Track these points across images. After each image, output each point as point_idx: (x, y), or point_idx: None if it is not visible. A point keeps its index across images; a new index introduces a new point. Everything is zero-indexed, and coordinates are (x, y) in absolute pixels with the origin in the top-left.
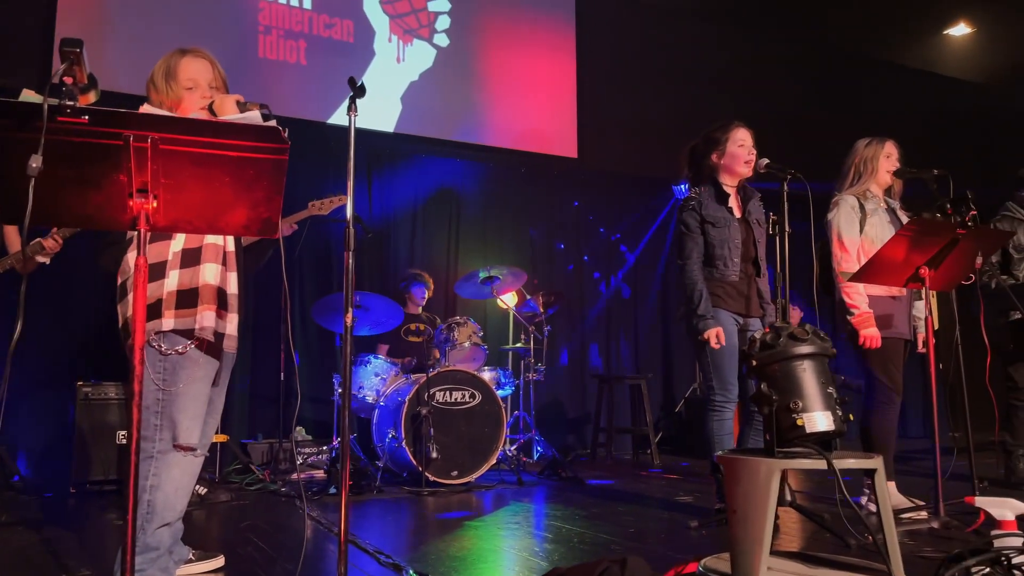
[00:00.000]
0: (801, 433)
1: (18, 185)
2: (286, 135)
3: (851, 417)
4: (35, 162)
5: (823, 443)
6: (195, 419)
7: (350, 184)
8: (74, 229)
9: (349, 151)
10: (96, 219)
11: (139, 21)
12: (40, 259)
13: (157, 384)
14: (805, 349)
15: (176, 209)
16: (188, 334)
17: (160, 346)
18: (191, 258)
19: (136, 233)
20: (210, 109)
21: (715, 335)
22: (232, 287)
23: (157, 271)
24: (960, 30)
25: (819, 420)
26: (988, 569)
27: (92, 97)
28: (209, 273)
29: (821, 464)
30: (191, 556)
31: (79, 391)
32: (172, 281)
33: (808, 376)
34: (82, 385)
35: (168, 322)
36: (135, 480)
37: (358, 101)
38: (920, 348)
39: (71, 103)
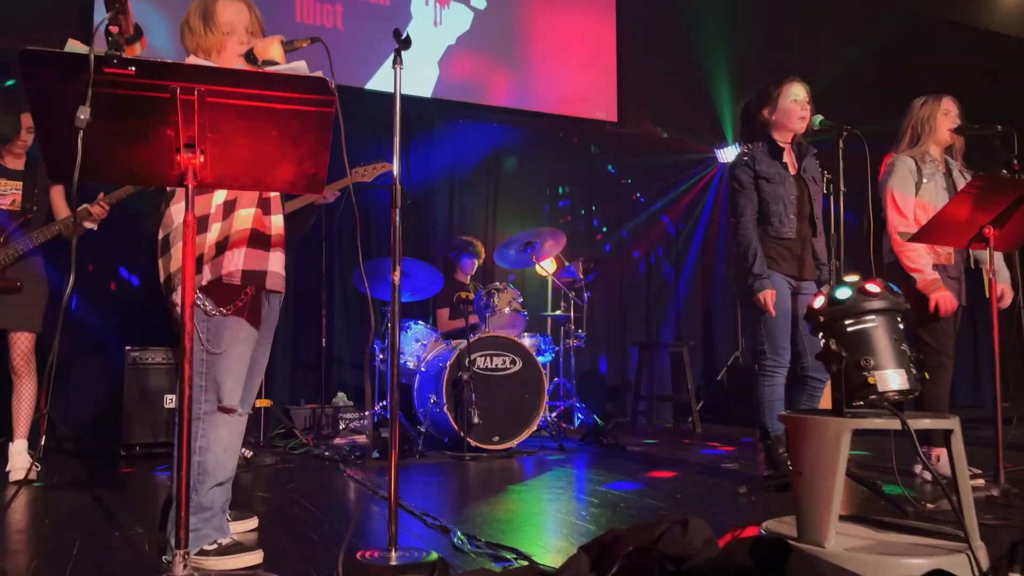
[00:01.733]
0: (873, 392)
1: (66, 139)
2: (333, 87)
3: (927, 376)
4: (83, 114)
5: (896, 403)
6: (238, 381)
7: (396, 140)
8: (120, 195)
9: (395, 105)
10: (143, 175)
11: None
12: (88, 225)
13: (202, 345)
14: (876, 304)
15: (223, 164)
16: (229, 288)
17: (205, 305)
18: (230, 208)
19: (180, 188)
20: (250, 56)
21: (769, 298)
22: (274, 229)
23: (201, 225)
24: None
25: (892, 378)
26: None
27: (138, 48)
28: (240, 219)
29: (893, 424)
30: (228, 517)
31: (127, 356)
32: (213, 234)
33: (880, 332)
34: (130, 350)
35: (206, 274)
36: (188, 439)
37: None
38: (997, 301)
39: (118, 53)
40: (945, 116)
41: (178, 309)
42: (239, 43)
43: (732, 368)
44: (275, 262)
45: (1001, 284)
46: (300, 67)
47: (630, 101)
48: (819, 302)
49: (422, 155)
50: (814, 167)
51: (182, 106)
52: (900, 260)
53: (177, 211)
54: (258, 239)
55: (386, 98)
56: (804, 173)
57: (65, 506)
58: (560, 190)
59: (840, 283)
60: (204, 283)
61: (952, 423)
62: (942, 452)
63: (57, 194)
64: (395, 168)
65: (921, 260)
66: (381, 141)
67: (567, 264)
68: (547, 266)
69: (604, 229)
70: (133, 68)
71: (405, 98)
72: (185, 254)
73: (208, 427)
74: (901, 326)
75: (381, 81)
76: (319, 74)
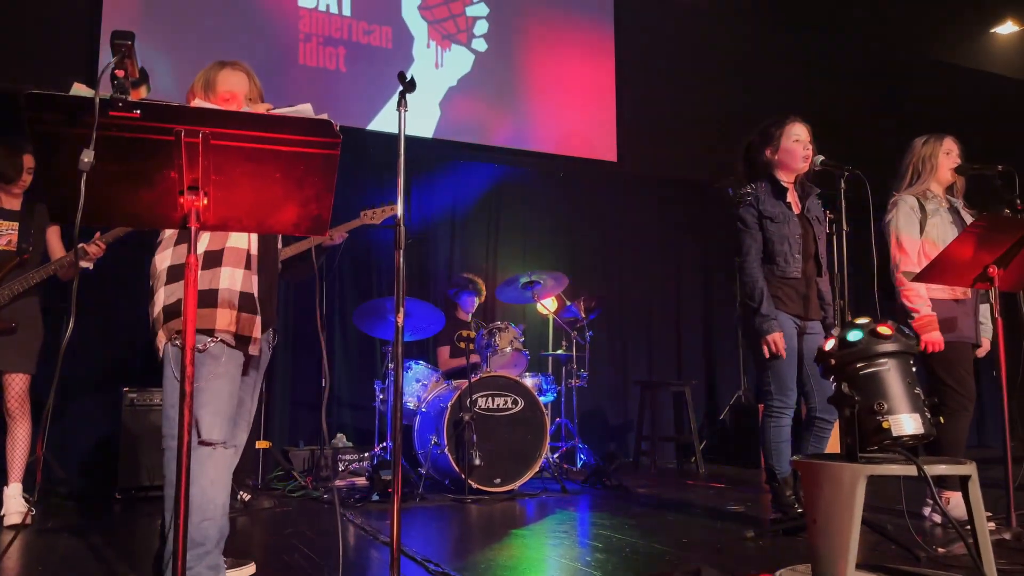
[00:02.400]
0: (887, 437)
1: (69, 182)
2: (337, 129)
3: (941, 420)
4: (87, 157)
5: (910, 448)
6: (217, 415)
7: (400, 181)
8: (117, 234)
9: (399, 148)
10: (146, 217)
11: (180, 29)
12: (84, 264)
13: (178, 380)
14: (889, 347)
15: (226, 206)
16: (207, 332)
17: (180, 344)
18: (212, 260)
19: (171, 233)
20: None
21: (778, 340)
22: (255, 289)
23: (179, 272)
24: (1008, 28)
25: (906, 423)
26: None
27: (144, 92)
28: (226, 277)
29: (909, 470)
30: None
31: (125, 397)
32: (203, 283)
33: (892, 376)
34: (128, 391)
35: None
36: (186, 480)
37: (395, 105)
38: (981, 353)
39: (123, 96)
40: (947, 156)
41: (160, 352)
42: (237, 108)
43: (735, 407)
44: (257, 328)
45: (985, 339)
46: (305, 110)
47: (629, 141)
48: (830, 345)
49: (423, 195)
50: (817, 207)
51: (186, 148)
52: (901, 299)
53: (161, 259)
54: (246, 302)
55: (389, 139)
56: (808, 213)
57: (60, 551)
58: (561, 229)
59: (852, 326)
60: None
61: (969, 469)
62: (954, 495)
63: (53, 235)
64: (399, 210)
65: (919, 300)
66: (383, 181)
67: (568, 303)
68: (548, 305)
69: (606, 268)
70: (138, 111)
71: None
72: (187, 296)
73: (191, 462)
74: (914, 369)
75: (384, 122)
76: (324, 116)
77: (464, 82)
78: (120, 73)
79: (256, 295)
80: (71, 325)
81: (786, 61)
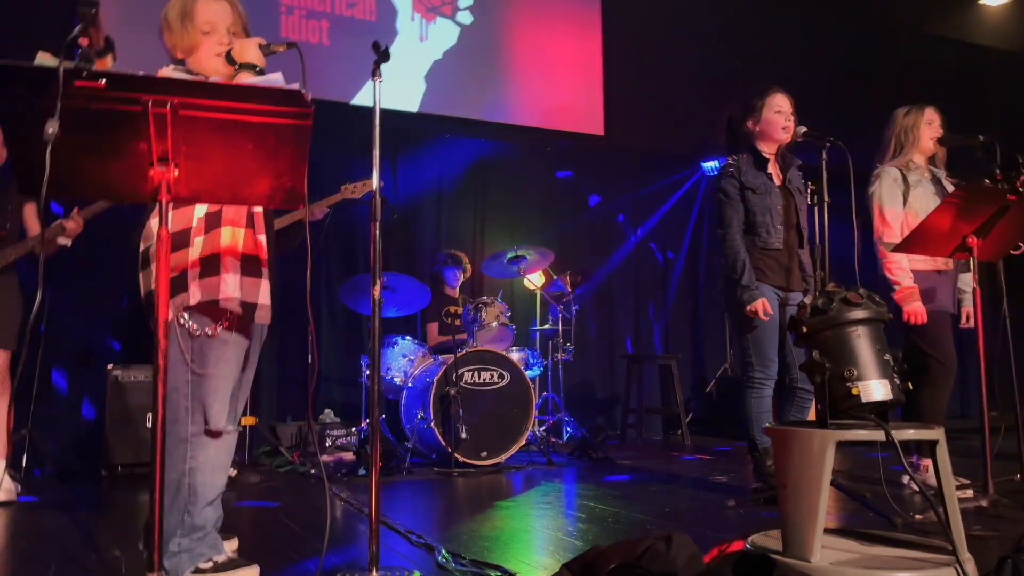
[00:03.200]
0: (856, 403)
1: (35, 153)
2: (309, 99)
3: (910, 386)
4: (51, 127)
5: (880, 414)
6: (224, 402)
7: (376, 154)
8: (96, 210)
9: (375, 119)
10: (116, 189)
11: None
12: (62, 241)
13: (187, 366)
14: (859, 314)
15: (198, 179)
16: (215, 307)
17: (190, 325)
18: (214, 221)
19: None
20: (228, 57)
21: (762, 306)
22: (262, 251)
23: (181, 239)
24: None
25: (875, 389)
26: None
27: (109, 61)
28: (227, 235)
29: (878, 435)
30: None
31: (109, 374)
32: (196, 249)
33: (863, 343)
34: (112, 368)
35: (195, 293)
36: (161, 459)
37: (383, 78)
38: (964, 322)
39: (88, 66)
40: (928, 126)
41: (159, 328)
42: (219, 43)
43: (721, 380)
44: (264, 293)
45: (966, 307)
46: (276, 79)
47: (616, 114)
48: (802, 312)
49: (409, 169)
50: (798, 178)
51: (155, 119)
52: (883, 271)
53: (156, 223)
54: (251, 264)
55: (370, 112)
56: (789, 184)
57: (44, 527)
58: (547, 203)
59: (823, 293)
60: (192, 303)
61: (937, 434)
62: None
63: (30, 210)
64: (375, 182)
65: (900, 272)
66: (367, 156)
67: (555, 277)
68: (535, 280)
69: (594, 242)
70: (103, 81)
71: (392, 113)
72: (159, 270)
73: (197, 448)
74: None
75: (367, 96)
76: (296, 86)
77: (449, 55)
78: (84, 42)
79: (260, 257)
80: (38, 299)
81: (774, 32)
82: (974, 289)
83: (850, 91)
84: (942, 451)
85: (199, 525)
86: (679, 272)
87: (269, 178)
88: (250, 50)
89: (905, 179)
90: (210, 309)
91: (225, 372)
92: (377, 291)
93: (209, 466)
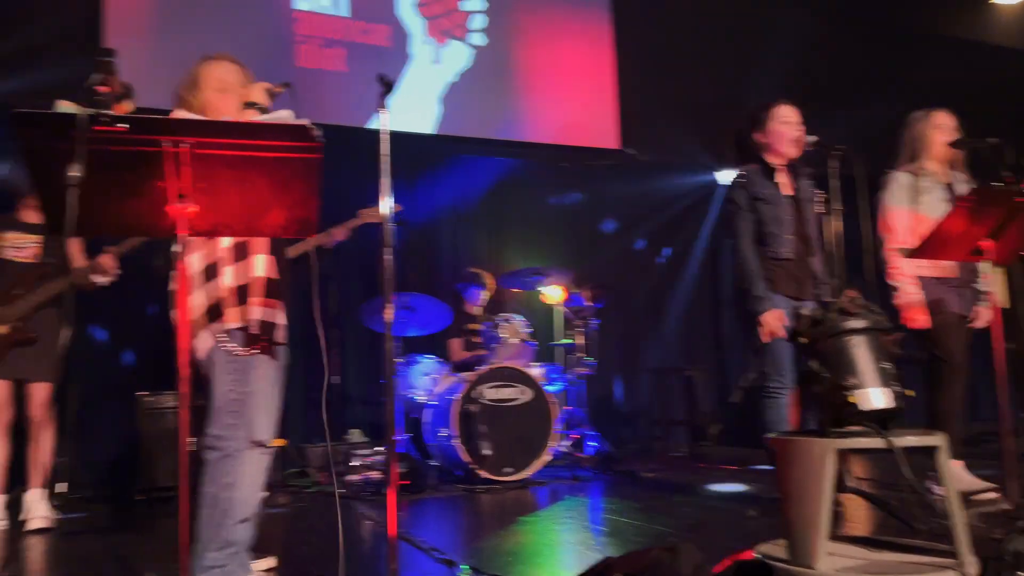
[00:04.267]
0: (855, 411)
1: (61, 195)
2: (319, 134)
3: (911, 393)
4: (73, 170)
5: (881, 421)
6: (269, 415)
7: (384, 181)
8: (129, 246)
9: (382, 147)
10: (138, 226)
11: (178, 36)
12: (99, 279)
13: (231, 386)
14: (856, 323)
15: (215, 213)
16: (249, 331)
17: (230, 347)
18: (242, 251)
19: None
20: (248, 106)
21: (772, 319)
22: (279, 274)
23: (212, 271)
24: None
25: (874, 397)
26: None
27: (128, 106)
28: (259, 265)
29: (878, 443)
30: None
31: (140, 401)
32: (228, 279)
33: (861, 351)
34: (143, 395)
35: (231, 318)
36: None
37: (397, 103)
38: (979, 324)
39: (107, 112)
40: (939, 130)
41: (202, 353)
42: (237, 97)
43: (745, 389)
44: (282, 315)
45: (981, 309)
46: (285, 116)
47: (631, 127)
48: (800, 322)
49: (427, 191)
50: (808, 187)
51: (172, 159)
52: (887, 276)
53: (193, 259)
54: (273, 288)
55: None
56: (799, 194)
57: (80, 553)
58: (565, 218)
59: (820, 303)
60: (229, 328)
61: (938, 440)
62: (960, 464)
63: (74, 246)
64: (383, 209)
65: (903, 278)
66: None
67: (574, 292)
68: (554, 295)
69: (612, 256)
70: (122, 125)
71: (408, 136)
72: (179, 303)
73: (236, 464)
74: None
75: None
76: (304, 122)
77: (464, 77)
78: (104, 89)
79: (277, 279)
80: (67, 333)
81: (785, 41)
82: (989, 293)
83: (866, 96)
84: (942, 456)
85: (231, 540)
86: (698, 283)
87: (283, 209)
88: (257, 92)
89: (915, 184)
90: (246, 332)
91: (265, 389)
92: (389, 314)
93: (247, 482)
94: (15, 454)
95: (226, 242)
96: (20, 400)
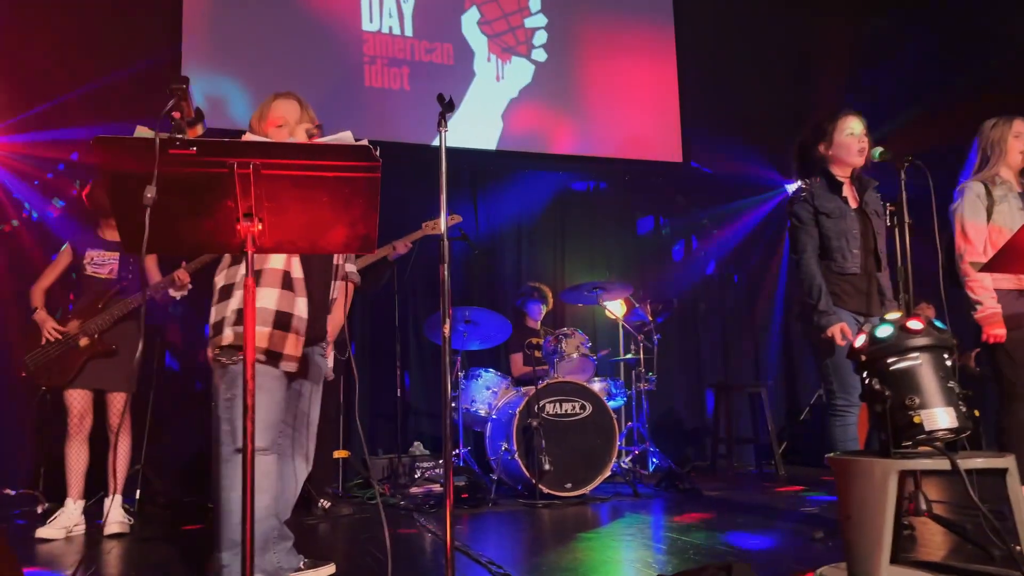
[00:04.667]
0: (920, 432)
1: (136, 215)
2: (377, 153)
3: (976, 413)
4: (150, 192)
5: (949, 443)
6: (261, 422)
7: (443, 197)
8: (203, 262)
9: (441, 165)
10: (208, 244)
11: (254, 62)
12: (174, 293)
13: (222, 394)
14: (920, 341)
15: (280, 230)
16: (238, 348)
17: (222, 359)
18: (256, 280)
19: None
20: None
21: (839, 331)
22: (299, 310)
23: (225, 292)
24: None
25: (940, 417)
26: None
27: (199, 130)
28: (262, 296)
29: (944, 464)
30: (302, 564)
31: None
32: (236, 301)
33: (925, 370)
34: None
35: (228, 336)
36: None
37: (460, 120)
38: None
39: (180, 136)
40: (1017, 139)
41: (210, 356)
42: (289, 133)
43: (815, 407)
44: (291, 345)
45: None
46: (346, 137)
47: (695, 141)
48: (860, 341)
49: (490, 205)
50: (876, 200)
51: (239, 179)
52: (966, 290)
53: (217, 279)
54: (281, 321)
55: (454, 153)
56: (866, 207)
57: (155, 559)
58: (628, 233)
59: (882, 321)
60: (224, 344)
61: (1007, 462)
62: None
63: (151, 261)
64: (442, 224)
65: (983, 292)
66: (449, 193)
67: (636, 306)
68: (616, 309)
69: (678, 270)
70: (194, 148)
71: (471, 152)
72: (246, 316)
73: (231, 468)
74: (948, 363)
75: (448, 137)
76: (364, 142)
77: (525, 93)
78: (177, 115)
79: (295, 314)
80: (140, 346)
81: (851, 49)
82: None
83: (940, 105)
84: (1012, 479)
85: (236, 540)
86: (764, 297)
87: (344, 227)
88: (299, 132)
89: (990, 194)
90: (239, 346)
91: (259, 399)
92: (447, 329)
93: (240, 485)
94: (95, 462)
95: (243, 269)
96: (100, 409)
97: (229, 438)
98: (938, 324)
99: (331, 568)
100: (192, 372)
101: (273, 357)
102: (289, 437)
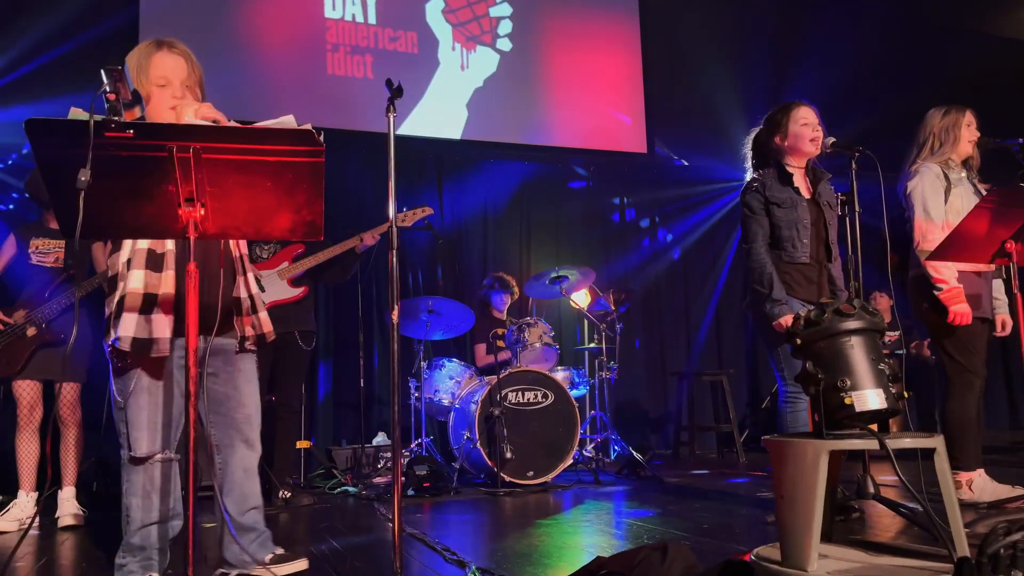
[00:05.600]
0: (851, 412)
1: (73, 199)
2: (320, 138)
3: (906, 394)
4: (83, 175)
5: (880, 424)
6: (143, 429)
7: (391, 184)
8: None
9: (389, 150)
10: (148, 229)
11: (213, 48)
12: None
13: (115, 396)
14: (852, 324)
15: (223, 216)
16: (127, 343)
17: (114, 362)
18: (127, 266)
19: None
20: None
21: (788, 323)
22: (166, 287)
23: (113, 283)
24: None
25: (870, 398)
26: None
27: (137, 112)
28: (133, 279)
29: (873, 444)
30: (268, 558)
31: None
32: (119, 293)
33: (856, 352)
34: None
35: (111, 333)
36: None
37: (425, 109)
38: (1000, 331)
39: (116, 118)
40: (968, 128)
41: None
42: (172, 96)
43: (776, 395)
44: (159, 327)
45: (1001, 315)
46: (288, 121)
47: (659, 132)
48: (796, 324)
49: (455, 195)
50: (829, 191)
51: (180, 163)
52: (928, 271)
53: (114, 259)
54: (147, 304)
55: (415, 142)
56: (819, 198)
57: (107, 550)
58: (593, 223)
59: (816, 305)
60: (109, 340)
61: (935, 442)
62: (971, 476)
63: (97, 249)
64: (391, 210)
65: (946, 271)
66: (414, 184)
67: (599, 296)
68: (579, 299)
69: (641, 259)
70: (131, 131)
71: (435, 141)
72: (188, 303)
73: (128, 473)
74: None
75: (411, 126)
76: (308, 127)
77: (490, 82)
78: (112, 96)
79: (160, 294)
80: (74, 334)
81: (816, 41)
82: (1013, 295)
83: (899, 95)
84: (940, 459)
85: (137, 545)
86: (725, 286)
87: (289, 213)
88: (185, 114)
89: (947, 176)
90: (122, 339)
91: (141, 401)
92: (396, 315)
93: (141, 490)
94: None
95: (124, 256)
96: (49, 400)
97: (125, 442)
98: (869, 307)
99: (301, 564)
100: None
101: (141, 345)
102: (220, 427)
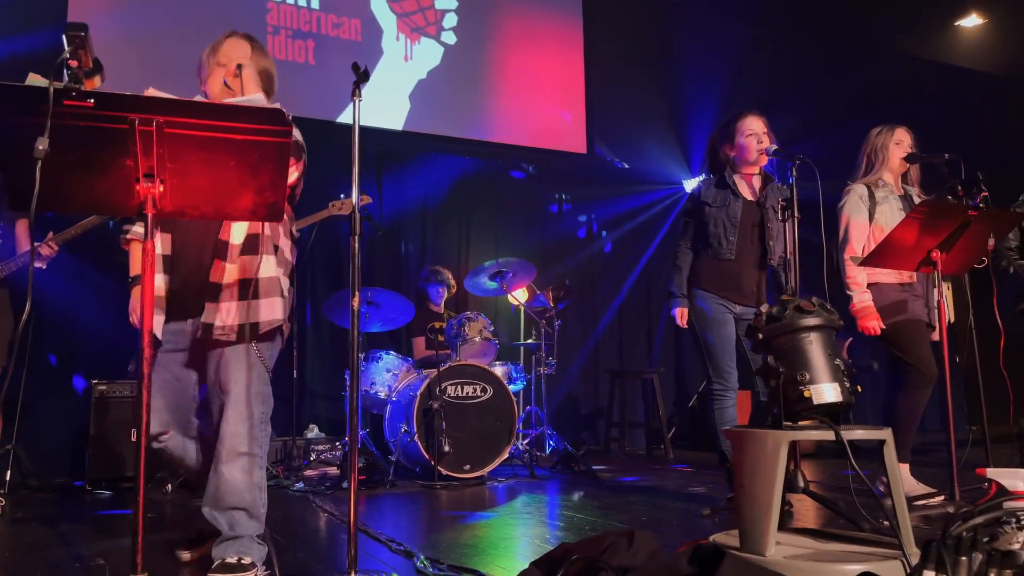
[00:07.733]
0: (808, 405)
1: (26, 170)
2: (289, 117)
3: (859, 389)
4: (41, 144)
5: (832, 417)
6: (154, 411)
7: (355, 171)
8: (71, 234)
9: (354, 136)
10: (103, 204)
11: (146, 23)
12: (36, 264)
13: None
14: (811, 321)
15: (183, 194)
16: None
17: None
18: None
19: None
20: (225, 83)
21: (678, 315)
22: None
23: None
24: (972, 21)
25: (826, 391)
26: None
27: (98, 81)
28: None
29: (829, 435)
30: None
31: (94, 389)
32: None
33: (815, 348)
34: (97, 383)
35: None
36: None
37: (366, 98)
38: (934, 337)
39: (77, 86)
40: (897, 145)
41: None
42: (227, 72)
43: (704, 394)
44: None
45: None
46: (257, 99)
47: (599, 133)
48: (758, 319)
49: (395, 186)
50: (775, 198)
51: (141, 137)
52: (845, 281)
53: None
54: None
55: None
56: (764, 202)
57: (28, 540)
58: (531, 221)
59: (778, 302)
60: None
61: (884, 434)
62: (905, 468)
63: (21, 228)
64: (354, 196)
65: (856, 287)
66: (351, 172)
67: (538, 293)
68: (519, 295)
69: (578, 258)
70: (92, 100)
71: (377, 131)
72: (144, 282)
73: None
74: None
75: (351, 115)
76: (276, 105)
77: (434, 75)
78: (74, 63)
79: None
80: (25, 315)
81: (753, 53)
82: (938, 302)
83: (832, 112)
84: (889, 451)
85: None
86: (659, 287)
87: (252, 193)
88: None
89: (872, 196)
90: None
91: (155, 383)
92: (356, 302)
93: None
94: None
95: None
96: None
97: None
98: (827, 305)
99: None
100: (68, 348)
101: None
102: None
